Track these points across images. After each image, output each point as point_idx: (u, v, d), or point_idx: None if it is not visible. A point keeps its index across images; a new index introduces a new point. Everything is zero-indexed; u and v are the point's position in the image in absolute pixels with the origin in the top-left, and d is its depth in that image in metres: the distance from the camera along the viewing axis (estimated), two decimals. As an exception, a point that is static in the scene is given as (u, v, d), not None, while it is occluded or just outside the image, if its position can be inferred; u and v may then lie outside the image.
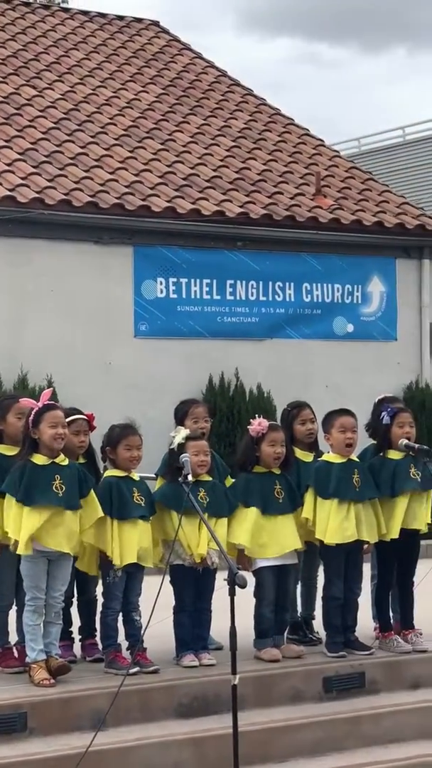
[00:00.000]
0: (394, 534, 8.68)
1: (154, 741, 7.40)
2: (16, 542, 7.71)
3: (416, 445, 8.77)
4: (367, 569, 8.92)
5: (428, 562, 9.85)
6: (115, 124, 18.85)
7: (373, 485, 8.66)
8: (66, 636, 8.37)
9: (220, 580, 7.13)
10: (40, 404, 7.84)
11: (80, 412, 8.50)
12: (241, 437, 8.98)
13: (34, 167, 16.65)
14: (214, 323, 17.12)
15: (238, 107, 21.04)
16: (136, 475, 8.24)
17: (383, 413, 8.83)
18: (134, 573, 8.10)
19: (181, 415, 8.72)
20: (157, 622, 7.63)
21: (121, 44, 22.12)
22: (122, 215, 16.41)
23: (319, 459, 8.79)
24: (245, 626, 7.93)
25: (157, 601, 7.30)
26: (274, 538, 8.40)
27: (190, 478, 7.82)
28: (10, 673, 7.98)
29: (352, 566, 8.60)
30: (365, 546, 8.68)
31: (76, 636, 8.60)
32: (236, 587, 6.65)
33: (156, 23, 23.62)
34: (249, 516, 8.39)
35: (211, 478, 8.35)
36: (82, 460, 8.45)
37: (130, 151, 18.09)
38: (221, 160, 18.79)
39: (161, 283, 16.82)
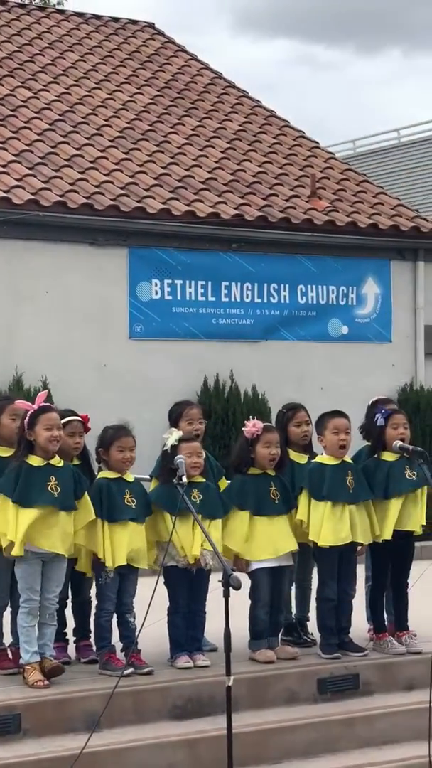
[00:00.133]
0: (388, 535, 8.69)
1: (149, 742, 7.40)
2: (10, 545, 7.71)
3: (410, 447, 8.78)
4: (361, 571, 8.93)
5: (422, 563, 9.87)
6: (110, 126, 18.86)
7: (366, 487, 8.67)
8: (60, 637, 8.38)
9: (215, 581, 7.13)
10: (35, 406, 7.85)
11: (75, 414, 8.51)
12: (236, 439, 8.99)
13: (29, 169, 16.65)
14: (209, 325, 17.12)
15: (233, 109, 21.06)
16: (131, 477, 8.24)
17: (377, 415, 8.85)
18: (127, 575, 8.10)
19: (175, 416, 8.73)
20: (151, 624, 7.64)
21: (116, 46, 22.13)
22: (117, 217, 16.41)
23: (312, 461, 8.79)
24: (240, 627, 7.94)
25: (151, 603, 7.30)
26: (269, 540, 8.41)
27: (184, 479, 7.82)
28: (4, 675, 7.98)
29: (345, 568, 8.61)
30: (359, 548, 8.69)
31: (71, 637, 8.60)
32: (231, 589, 6.66)
33: (151, 25, 23.63)
34: (244, 519, 8.40)
35: (204, 480, 8.36)
36: (76, 462, 8.46)
37: (125, 153, 18.10)
38: (216, 162, 18.80)
39: (156, 285, 16.82)
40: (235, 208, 17.41)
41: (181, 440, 8.27)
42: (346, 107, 63.68)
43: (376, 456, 8.87)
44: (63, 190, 16.32)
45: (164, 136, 19.09)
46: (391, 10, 69.24)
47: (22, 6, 23.82)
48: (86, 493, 8.00)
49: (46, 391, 8.24)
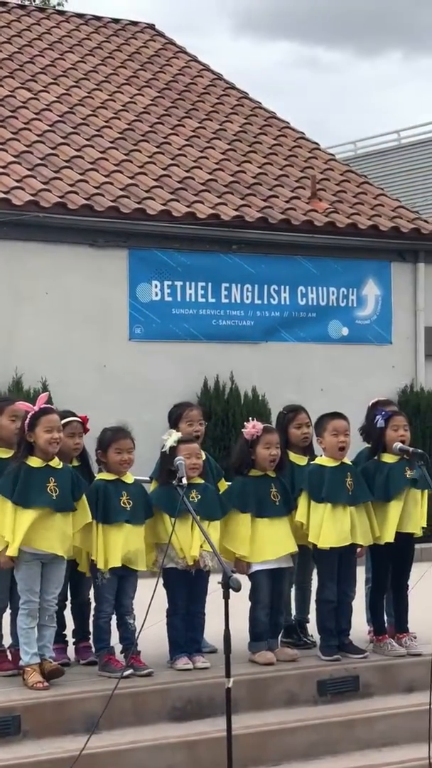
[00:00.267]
0: (389, 537, 8.68)
1: (148, 744, 7.40)
2: (5, 548, 7.71)
3: (410, 449, 8.78)
4: (361, 572, 8.92)
5: (422, 565, 9.87)
6: (110, 127, 18.86)
7: (366, 488, 8.66)
8: (60, 639, 8.37)
9: (215, 583, 7.12)
10: (36, 408, 7.85)
11: (74, 415, 8.50)
12: (236, 440, 8.98)
13: (29, 170, 16.65)
14: (209, 326, 17.12)
15: (233, 111, 21.05)
16: (130, 478, 8.23)
17: (378, 417, 8.84)
18: (126, 576, 8.08)
19: (175, 418, 8.72)
20: (151, 626, 7.63)
21: (116, 47, 22.13)
22: (117, 218, 16.40)
23: (311, 462, 8.78)
24: (240, 629, 7.93)
25: (151, 605, 7.30)
26: (269, 542, 8.40)
27: (184, 481, 7.81)
28: (3, 676, 7.98)
29: (345, 569, 8.60)
30: (358, 549, 8.68)
31: (70, 639, 8.59)
32: (230, 590, 6.65)
33: (151, 26, 23.63)
34: (245, 522, 8.40)
35: (203, 481, 8.35)
36: (76, 463, 8.46)
37: (126, 154, 18.10)
38: (216, 164, 18.80)
39: (156, 286, 16.81)
40: (236, 210, 17.41)
41: (180, 441, 8.26)
42: (346, 109, 63.71)
43: (376, 458, 8.87)
44: (63, 192, 16.31)
45: (164, 138, 19.08)
46: (392, 12, 69.29)
47: (22, 7, 23.82)
48: (84, 496, 7.99)
49: (47, 393, 8.24)
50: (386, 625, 8.94)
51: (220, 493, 8.61)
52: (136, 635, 7.88)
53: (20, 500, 7.70)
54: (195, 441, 8.44)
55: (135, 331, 16.61)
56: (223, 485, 8.80)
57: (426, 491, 8.80)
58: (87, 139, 18.19)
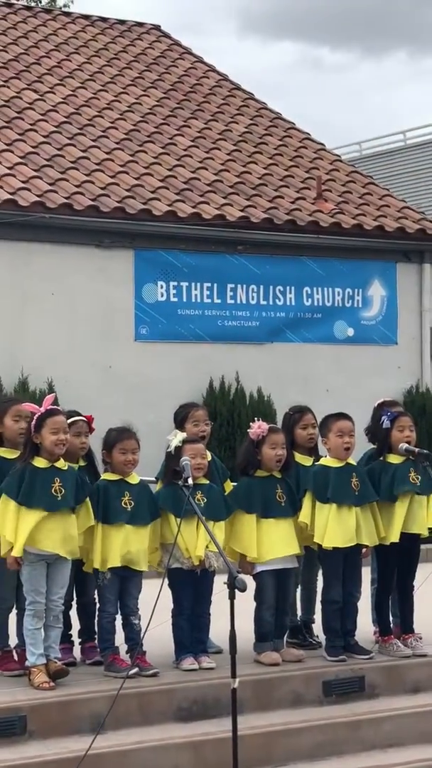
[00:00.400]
0: (395, 538, 8.68)
1: (153, 744, 7.40)
2: (10, 550, 7.71)
3: (416, 449, 8.78)
4: (366, 573, 8.92)
5: (428, 566, 9.85)
6: (116, 128, 18.87)
7: (371, 489, 8.66)
8: (66, 639, 8.38)
9: (220, 583, 7.13)
10: (42, 409, 7.85)
11: (79, 414, 8.51)
12: (242, 441, 8.98)
13: (35, 171, 16.67)
14: (214, 327, 17.12)
15: (239, 111, 21.06)
16: (136, 478, 8.23)
17: (383, 417, 8.84)
18: (129, 577, 8.08)
19: (181, 418, 8.72)
20: (156, 626, 7.63)
21: (122, 48, 22.14)
22: (123, 219, 16.41)
23: (316, 463, 8.78)
24: (245, 630, 7.94)
25: (156, 605, 7.30)
26: (274, 542, 8.40)
27: (190, 481, 7.81)
28: (9, 676, 7.98)
29: (351, 570, 8.60)
30: (364, 550, 8.68)
31: (76, 639, 8.60)
32: (236, 591, 6.65)
33: (157, 27, 23.64)
34: (251, 522, 8.40)
35: (207, 482, 8.35)
36: (82, 463, 8.47)
37: (131, 155, 18.11)
38: (222, 164, 18.80)
39: (162, 287, 16.82)
40: (241, 210, 17.41)
41: (185, 442, 8.27)
42: (351, 109, 63.72)
43: (381, 458, 8.87)
44: (69, 192, 16.33)
45: (170, 139, 19.09)
46: (397, 13, 69.26)
47: (28, 8, 23.84)
48: (88, 498, 8.00)
49: (54, 394, 8.23)
50: (392, 625, 8.94)
51: (226, 493, 8.61)
52: (142, 635, 7.89)
53: (25, 501, 7.70)
54: (200, 441, 8.45)
55: (140, 331, 16.62)
56: (229, 486, 8.81)
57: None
58: (93, 140, 18.21)
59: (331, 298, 18.05)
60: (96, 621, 8.27)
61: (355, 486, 8.58)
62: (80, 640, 8.59)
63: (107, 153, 17.92)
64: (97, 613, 8.24)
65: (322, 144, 21.09)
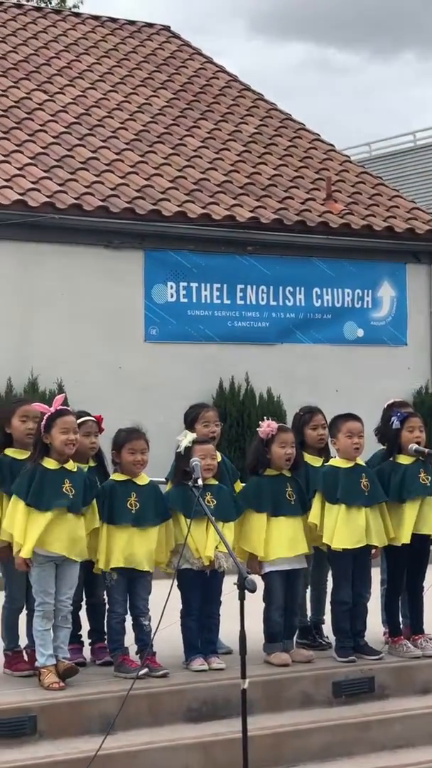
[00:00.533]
0: (406, 539, 8.67)
1: (163, 745, 7.40)
2: (19, 551, 7.72)
3: (426, 450, 8.76)
4: (376, 573, 8.91)
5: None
6: (125, 129, 18.88)
7: (380, 489, 8.65)
8: (75, 639, 8.38)
9: (230, 584, 7.12)
10: (52, 409, 7.85)
11: (89, 415, 8.51)
12: (251, 441, 8.98)
13: (45, 171, 16.69)
14: (224, 328, 17.13)
15: (248, 112, 21.06)
16: (145, 479, 8.22)
17: (393, 418, 8.83)
18: (136, 578, 8.06)
19: (191, 419, 8.71)
20: (166, 627, 7.63)
21: (132, 49, 22.16)
22: (133, 219, 16.43)
23: (326, 464, 8.77)
24: (255, 630, 7.93)
25: (166, 606, 7.30)
26: (283, 541, 8.39)
27: (200, 482, 7.80)
28: (19, 677, 7.99)
29: (360, 571, 8.59)
30: (373, 550, 8.67)
31: (86, 639, 8.60)
32: (246, 591, 6.65)
33: (167, 28, 23.65)
34: (261, 521, 8.39)
35: (217, 482, 8.35)
36: (92, 463, 8.47)
37: (141, 156, 18.12)
38: (232, 165, 18.81)
39: (172, 288, 16.84)
40: (251, 211, 17.42)
41: (194, 442, 8.26)
42: (361, 110, 63.66)
43: (391, 459, 8.86)
44: (79, 193, 16.35)
45: (180, 139, 19.10)
46: (405, 13, 69.17)
47: (38, 9, 23.88)
48: (94, 500, 8.00)
49: (63, 394, 8.22)
50: (402, 626, 8.93)
51: (236, 494, 8.61)
52: (152, 636, 7.88)
53: (34, 502, 7.70)
54: (210, 442, 8.44)
55: (150, 332, 16.64)
56: (239, 487, 8.80)
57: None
58: (102, 141, 18.22)
59: (341, 298, 18.05)
60: (105, 622, 8.27)
61: (364, 486, 8.57)
62: (90, 640, 8.59)
63: (117, 154, 17.94)
64: (106, 613, 8.24)
65: (331, 145, 21.09)
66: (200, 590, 8.21)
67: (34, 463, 7.80)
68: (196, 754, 7.43)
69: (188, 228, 16.74)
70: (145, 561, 8.04)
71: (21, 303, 15.75)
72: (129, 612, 8.12)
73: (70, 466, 7.89)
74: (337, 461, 8.68)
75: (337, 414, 8.83)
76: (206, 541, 8.08)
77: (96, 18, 23.28)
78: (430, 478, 8.73)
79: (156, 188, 17.24)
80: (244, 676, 6.64)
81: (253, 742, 6.89)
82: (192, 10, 61.41)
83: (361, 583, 8.60)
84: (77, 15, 23.96)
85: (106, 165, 17.48)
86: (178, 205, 16.90)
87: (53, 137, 17.81)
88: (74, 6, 32.72)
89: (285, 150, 20.05)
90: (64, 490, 7.76)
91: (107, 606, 8.21)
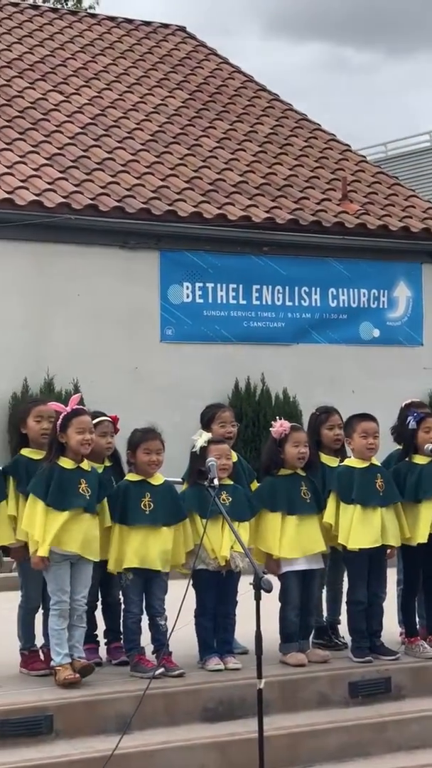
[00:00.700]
0: (422, 539, 8.66)
1: (179, 745, 7.40)
2: (37, 549, 7.73)
3: (442, 450, 8.75)
4: (392, 573, 8.90)
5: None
6: (141, 129, 18.89)
7: (395, 490, 8.64)
8: (91, 639, 8.38)
9: (246, 584, 7.12)
10: (68, 409, 7.86)
11: (104, 415, 8.51)
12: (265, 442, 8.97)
13: (60, 172, 16.71)
14: (240, 328, 17.13)
15: (264, 112, 21.06)
16: (160, 479, 8.21)
17: (409, 418, 8.82)
18: (153, 578, 8.06)
19: (207, 419, 8.71)
20: (182, 626, 7.63)
21: (147, 50, 22.17)
22: (148, 220, 16.44)
23: (340, 464, 8.76)
24: (271, 630, 7.93)
25: (182, 606, 7.30)
26: (299, 540, 8.38)
27: (216, 482, 7.80)
28: (36, 676, 8.00)
29: (376, 571, 8.58)
30: (389, 550, 8.66)
31: (102, 639, 8.61)
32: (262, 591, 6.65)
33: (182, 29, 23.65)
34: (276, 521, 8.39)
35: (232, 482, 8.34)
36: (108, 463, 8.47)
37: (157, 156, 18.13)
38: (247, 165, 18.81)
39: (188, 288, 16.84)
40: (267, 212, 17.41)
41: (210, 442, 8.26)
42: (377, 110, 63.59)
43: (407, 459, 8.85)
44: (94, 194, 16.36)
45: (195, 140, 19.11)
46: (423, 13, 69.04)
47: (54, 10, 23.91)
48: (105, 500, 8.01)
49: (79, 394, 8.25)
50: (418, 626, 8.91)
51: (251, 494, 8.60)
52: (168, 636, 7.89)
53: (54, 502, 7.70)
54: (225, 442, 8.43)
55: (166, 332, 16.65)
56: (255, 487, 8.79)
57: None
58: (118, 142, 18.24)
59: (357, 299, 18.04)
60: (121, 621, 8.28)
61: (379, 487, 8.56)
62: (106, 640, 8.60)
63: (133, 154, 17.95)
64: (122, 613, 8.25)
65: (347, 145, 21.07)
66: (215, 590, 8.21)
67: (51, 463, 7.82)
68: (212, 754, 7.43)
69: (204, 228, 16.74)
70: (159, 561, 8.04)
71: (37, 303, 15.77)
72: (145, 612, 8.13)
73: (85, 465, 7.90)
74: (351, 461, 8.67)
75: (352, 414, 8.83)
76: (221, 542, 8.08)
77: (112, 19, 23.30)
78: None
79: (172, 189, 17.25)
80: (260, 676, 6.64)
81: (269, 742, 6.89)
82: (208, 10, 61.45)
83: (377, 584, 8.59)
84: (93, 16, 23.99)
85: (122, 165, 17.50)
86: (194, 206, 16.90)
87: (69, 138, 17.83)
88: (90, 7, 32.76)
89: (301, 150, 20.04)
90: (80, 490, 7.78)
91: (123, 606, 8.21)
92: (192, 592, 7.84)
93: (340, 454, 9.00)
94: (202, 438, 8.27)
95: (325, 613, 9.05)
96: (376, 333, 18.17)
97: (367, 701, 8.24)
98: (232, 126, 20.07)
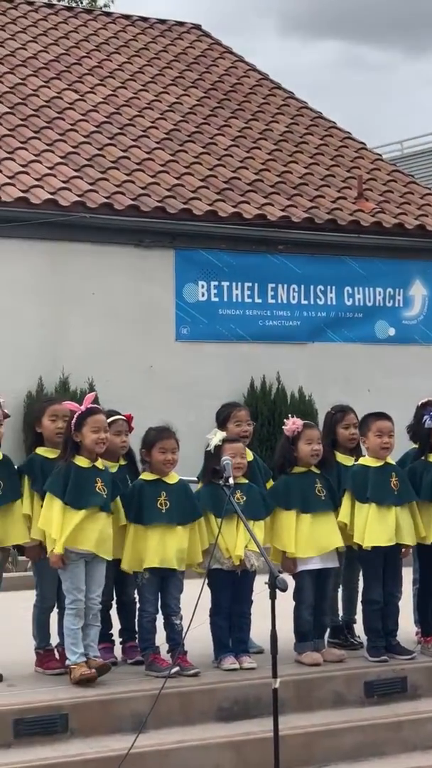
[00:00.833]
0: (438, 538, 8.63)
1: (195, 744, 7.39)
2: (53, 550, 7.72)
3: (458, 449, 8.72)
4: (408, 573, 8.87)
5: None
6: (156, 128, 18.89)
7: (410, 489, 8.61)
8: (106, 638, 8.38)
9: (261, 583, 7.11)
10: (83, 408, 7.86)
11: (119, 413, 8.50)
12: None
13: (75, 171, 16.71)
14: (255, 327, 17.12)
15: (279, 110, 21.04)
16: (175, 478, 8.20)
17: (425, 417, 8.79)
18: (168, 577, 8.05)
19: (223, 418, 8.69)
20: (198, 626, 7.62)
21: (162, 48, 22.17)
22: (163, 218, 16.43)
23: (355, 463, 8.74)
24: (287, 630, 7.92)
25: (197, 605, 7.29)
26: (315, 537, 8.36)
27: (231, 481, 7.78)
28: (51, 675, 8.00)
29: (391, 570, 8.56)
30: (404, 549, 8.64)
31: (117, 638, 8.60)
32: (277, 591, 6.63)
33: (197, 27, 23.64)
34: (291, 519, 8.37)
35: (247, 481, 8.33)
36: (122, 462, 8.46)
37: (172, 155, 18.12)
38: (263, 163, 18.79)
39: (203, 287, 16.84)
40: (282, 210, 17.39)
41: (224, 441, 8.24)
42: (393, 108, 63.50)
43: (423, 458, 8.82)
44: (109, 192, 16.36)
45: (211, 138, 19.10)
46: (438, 11, 68.88)
47: (69, 9, 23.90)
48: (118, 498, 8.01)
49: (94, 393, 8.23)
50: (434, 626, 8.89)
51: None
52: (183, 635, 7.88)
53: (71, 500, 7.70)
54: (240, 440, 8.42)
55: (181, 331, 16.64)
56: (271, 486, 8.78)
57: None
58: (133, 140, 18.24)
59: (372, 297, 18.02)
60: (136, 620, 8.27)
61: (394, 485, 8.54)
62: (121, 639, 8.59)
63: (148, 153, 17.94)
64: (137, 612, 8.24)
65: (363, 143, 21.04)
66: (230, 590, 8.20)
67: (67, 461, 7.81)
68: (228, 753, 7.42)
69: (219, 227, 16.73)
70: (176, 560, 8.03)
71: (52, 302, 15.78)
72: (160, 611, 8.12)
73: (100, 464, 7.90)
74: (366, 460, 8.65)
75: (367, 413, 8.81)
76: (236, 541, 8.07)
77: (127, 17, 23.30)
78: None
79: (187, 187, 17.24)
80: (275, 676, 6.63)
81: (284, 742, 6.88)
82: (223, 9, 61.43)
83: (392, 583, 8.57)
84: (108, 14, 23.98)
85: (137, 164, 17.49)
86: (209, 204, 16.89)
87: (84, 136, 17.84)
88: (105, 5, 32.76)
89: (316, 148, 20.01)
90: (97, 489, 7.77)
91: (138, 605, 8.20)
92: (207, 591, 7.82)
93: (356, 453, 8.98)
94: (217, 437, 8.26)
95: (340, 613, 9.03)
96: (392, 332, 18.14)
97: (382, 701, 8.22)
98: (248, 124, 20.05)
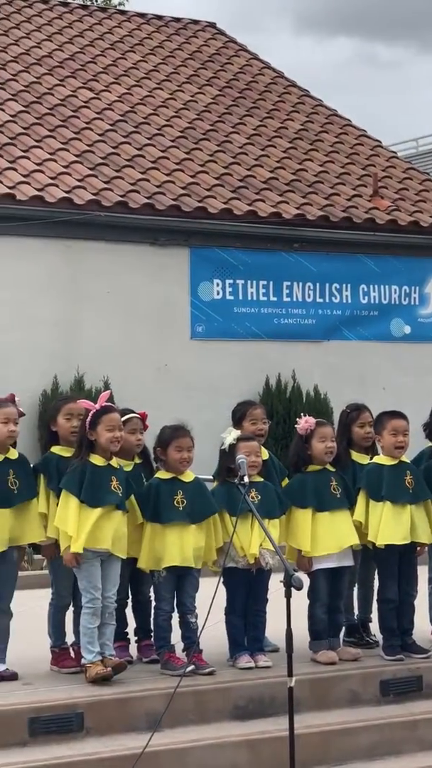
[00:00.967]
0: (453, 536, 8.61)
1: (210, 743, 7.38)
2: (67, 548, 7.72)
3: (474, 447, 8.70)
4: (423, 571, 8.85)
5: None
6: (171, 126, 18.89)
7: (425, 487, 8.59)
8: (122, 637, 8.38)
9: (276, 582, 7.10)
10: (97, 406, 7.86)
11: (133, 412, 8.50)
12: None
13: (90, 169, 16.72)
14: (270, 325, 17.10)
15: (294, 108, 21.02)
16: (191, 476, 8.20)
17: (441, 415, 8.78)
18: (184, 575, 8.04)
19: (239, 416, 8.68)
20: (213, 624, 7.61)
21: (177, 46, 22.16)
22: (179, 217, 16.43)
23: (370, 462, 8.73)
24: (302, 628, 7.91)
25: (213, 603, 7.28)
26: (331, 535, 8.35)
27: (246, 479, 7.77)
28: (66, 673, 8.01)
29: (406, 568, 8.53)
30: (419, 548, 8.62)
31: (132, 637, 8.60)
32: (292, 589, 6.62)
33: (212, 25, 23.64)
34: (306, 517, 8.36)
35: (262, 479, 8.32)
36: (137, 460, 8.46)
37: (187, 153, 18.12)
38: (278, 162, 18.77)
39: (218, 285, 16.83)
40: (297, 208, 17.38)
41: (239, 439, 8.24)
42: (408, 106, 63.39)
43: (439, 456, 8.81)
44: (124, 190, 16.37)
45: (225, 136, 19.09)
46: (454, 8, 68.73)
47: (84, 7, 23.92)
48: (133, 497, 8.00)
49: (109, 391, 8.25)
50: (450, 624, 8.87)
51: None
52: (198, 634, 7.87)
53: (88, 499, 7.69)
54: (254, 439, 8.41)
55: (196, 329, 16.63)
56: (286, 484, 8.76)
57: None
58: (148, 138, 18.24)
59: (388, 295, 17.99)
60: (152, 619, 8.26)
61: (409, 484, 8.52)
62: (136, 638, 8.59)
63: (162, 151, 17.94)
64: (153, 611, 8.23)
65: (378, 141, 21.01)
66: (246, 588, 8.19)
67: (82, 460, 7.81)
68: (243, 752, 7.41)
69: (234, 225, 16.72)
70: (194, 558, 8.03)
71: (67, 301, 15.79)
72: (176, 609, 8.11)
73: (115, 463, 7.90)
74: (381, 459, 8.63)
75: (382, 411, 8.79)
76: (251, 539, 8.06)
77: (141, 15, 23.30)
78: None
79: (202, 185, 17.23)
80: (290, 674, 6.62)
81: (300, 741, 6.87)
82: (238, 7, 61.38)
83: (407, 581, 8.55)
84: (123, 12, 23.99)
85: (152, 162, 17.49)
86: (224, 202, 16.88)
87: (99, 135, 17.84)
88: (120, 4, 32.77)
89: (331, 146, 19.99)
90: (113, 487, 7.78)
91: (154, 603, 8.20)
92: (222, 589, 7.82)
93: (371, 451, 8.96)
94: (231, 435, 8.25)
95: (356, 611, 9.01)
96: (407, 330, 18.12)
97: (398, 699, 8.21)
98: (263, 122, 20.04)
